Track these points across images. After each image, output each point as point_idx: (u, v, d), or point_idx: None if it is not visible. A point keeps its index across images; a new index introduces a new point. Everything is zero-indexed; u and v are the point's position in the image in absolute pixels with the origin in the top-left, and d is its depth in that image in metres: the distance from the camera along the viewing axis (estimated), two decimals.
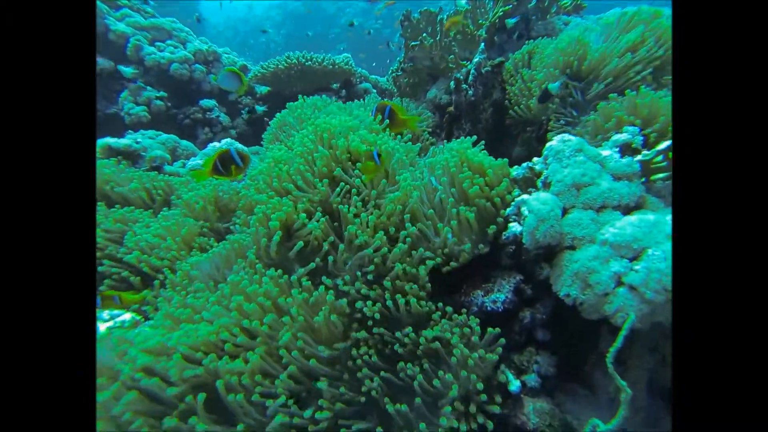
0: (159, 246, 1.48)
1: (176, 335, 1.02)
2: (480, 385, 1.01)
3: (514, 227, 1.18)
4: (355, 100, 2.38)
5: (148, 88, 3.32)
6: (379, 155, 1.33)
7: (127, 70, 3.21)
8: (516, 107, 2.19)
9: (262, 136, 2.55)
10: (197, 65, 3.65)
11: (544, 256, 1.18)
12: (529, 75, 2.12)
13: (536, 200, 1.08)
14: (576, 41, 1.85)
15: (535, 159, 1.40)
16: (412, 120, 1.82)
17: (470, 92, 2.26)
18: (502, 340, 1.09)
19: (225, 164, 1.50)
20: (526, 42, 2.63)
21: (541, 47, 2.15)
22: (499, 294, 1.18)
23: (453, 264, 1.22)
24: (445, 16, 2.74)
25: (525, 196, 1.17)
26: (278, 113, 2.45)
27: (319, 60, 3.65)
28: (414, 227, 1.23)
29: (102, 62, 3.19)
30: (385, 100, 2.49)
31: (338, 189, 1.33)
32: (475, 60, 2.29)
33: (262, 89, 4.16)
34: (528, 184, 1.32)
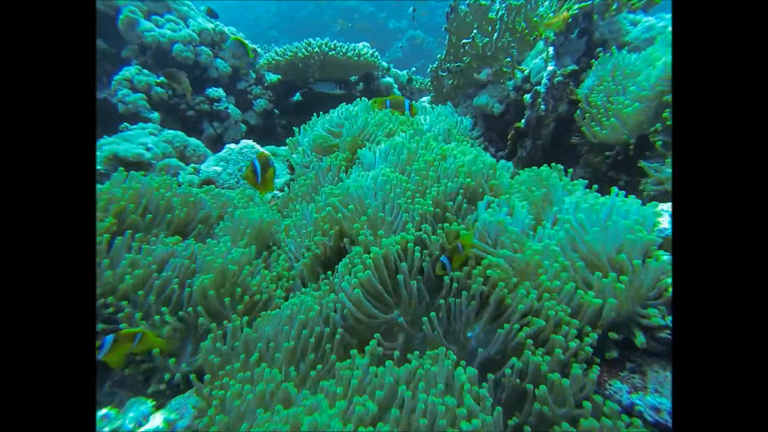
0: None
1: None
2: None
3: None
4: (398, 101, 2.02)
5: (146, 71, 2.84)
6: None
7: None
8: (593, 124, 1.92)
9: (301, 142, 2.14)
10: (203, 47, 3.18)
11: None
12: (611, 90, 1.84)
13: None
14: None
15: None
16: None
17: (542, 107, 1.97)
18: None
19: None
20: (585, 44, 2.35)
21: (623, 63, 1.87)
22: (658, 396, 0.92)
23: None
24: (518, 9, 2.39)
25: None
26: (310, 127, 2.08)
27: (344, 50, 3.26)
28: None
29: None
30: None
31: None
32: (548, 69, 1.99)
33: (273, 78, 3.73)
34: None
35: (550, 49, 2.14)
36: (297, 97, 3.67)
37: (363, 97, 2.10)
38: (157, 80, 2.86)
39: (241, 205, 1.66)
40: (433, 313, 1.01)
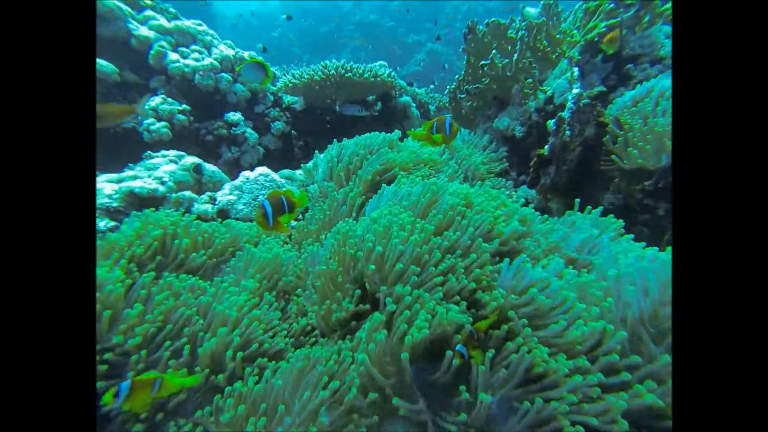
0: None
1: None
2: None
3: None
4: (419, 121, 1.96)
5: (170, 100, 2.93)
6: None
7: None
8: (629, 149, 1.77)
9: (318, 168, 2.07)
10: (223, 74, 3.25)
11: None
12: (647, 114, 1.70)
13: None
14: None
15: None
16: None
17: (567, 132, 1.85)
18: None
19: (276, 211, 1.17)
20: (614, 61, 2.21)
21: (663, 82, 1.73)
22: None
23: None
24: (530, 25, 2.30)
25: None
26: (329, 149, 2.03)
27: (360, 71, 3.25)
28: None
29: (127, 74, 2.80)
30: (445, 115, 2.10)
31: None
32: (574, 91, 1.88)
33: (291, 99, 3.77)
34: None
35: (575, 70, 2.02)
36: (317, 119, 3.68)
37: (400, 133, 2.05)
38: (179, 108, 2.94)
39: (261, 240, 1.61)
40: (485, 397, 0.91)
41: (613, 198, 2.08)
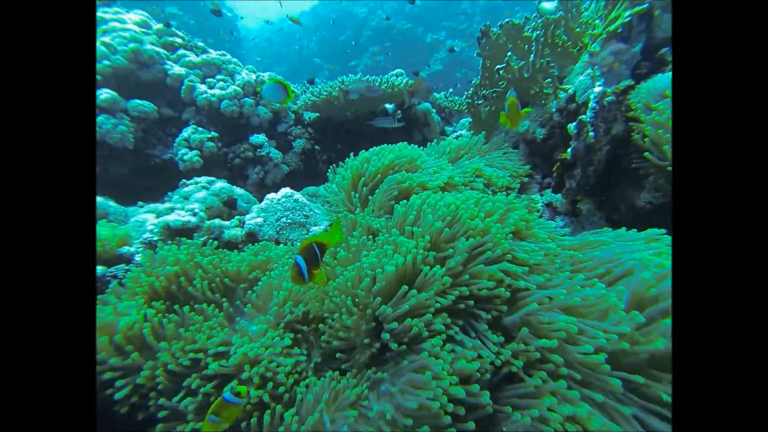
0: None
1: None
2: None
3: None
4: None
5: (200, 129, 3.12)
6: None
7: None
8: (666, 147, 1.64)
9: (337, 187, 2.07)
10: (246, 99, 3.41)
11: None
12: None
13: None
14: None
15: None
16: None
17: (591, 133, 1.76)
18: None
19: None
20: (642, 49, 2.06)
21: None
22: None
23: None
24: (541, 27, 2.21)
25: None
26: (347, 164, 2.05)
27: (377, 84, 3.27)
28: None
29: (165, 110, 3.01)
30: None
31: None
32: (596, 90, 1.78)
33: (311, 115, 3.87)
34: None
35: (597, 66, 1.91)
36: (339, 133, 3.75)
37: (420, 150, 2.03)
38: (208, 135, 3.11)
39: (281, 261, 1.65)
40: None
41: (650, 197, 1.94)
